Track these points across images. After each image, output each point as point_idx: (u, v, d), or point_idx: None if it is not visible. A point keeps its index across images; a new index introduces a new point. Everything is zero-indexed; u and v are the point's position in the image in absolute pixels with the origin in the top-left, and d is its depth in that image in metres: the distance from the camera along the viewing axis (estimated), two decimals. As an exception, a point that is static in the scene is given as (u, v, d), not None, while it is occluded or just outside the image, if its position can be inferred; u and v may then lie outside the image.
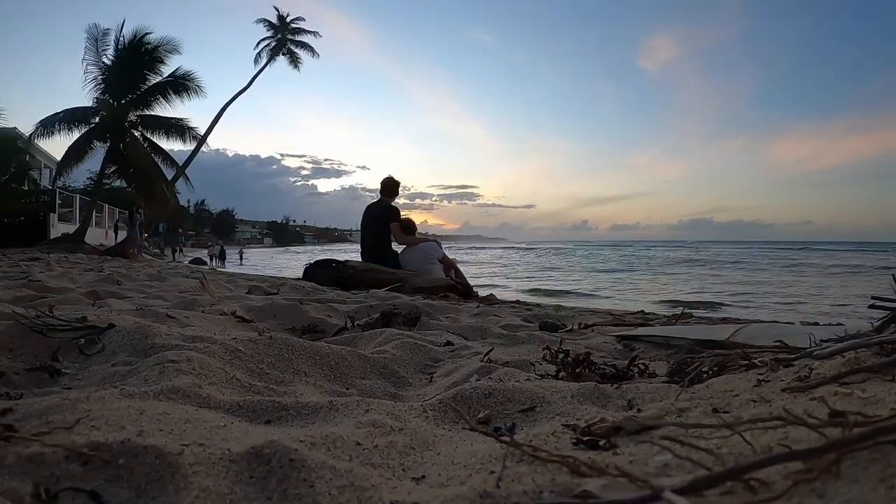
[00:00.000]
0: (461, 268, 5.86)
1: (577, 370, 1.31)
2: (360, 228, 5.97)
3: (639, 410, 0.91)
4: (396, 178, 5.96)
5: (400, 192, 6.09)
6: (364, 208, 5.99)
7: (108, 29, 16.32)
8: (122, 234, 17.38)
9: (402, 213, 5.88)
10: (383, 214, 5.75)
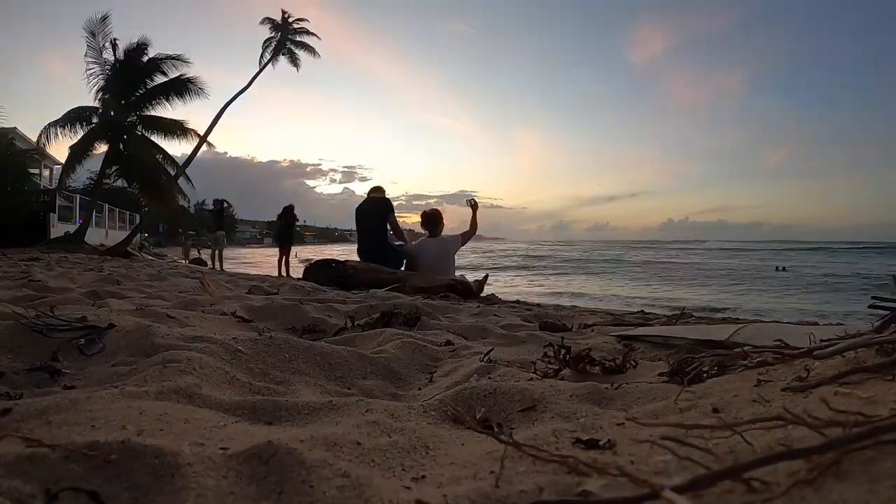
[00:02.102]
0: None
1: (580, 365, 1.33)
2: (356, 230, 5.94)
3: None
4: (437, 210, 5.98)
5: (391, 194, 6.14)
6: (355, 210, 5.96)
7: (106, 14, 16.26)
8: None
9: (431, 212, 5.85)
10: (378, 210, 5.73)
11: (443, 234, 5.78)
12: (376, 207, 5.76)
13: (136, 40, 16.51)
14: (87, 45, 16.28)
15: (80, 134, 16.27)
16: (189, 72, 17.09)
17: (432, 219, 5.75)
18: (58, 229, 16.81)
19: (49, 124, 16.06)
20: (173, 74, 16.86)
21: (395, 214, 5.86)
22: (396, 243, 5.80)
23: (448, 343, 1.83)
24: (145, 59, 16.53)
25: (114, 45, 16.31)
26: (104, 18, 16.21)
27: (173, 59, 16.70)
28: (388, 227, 5.76)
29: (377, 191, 6.00)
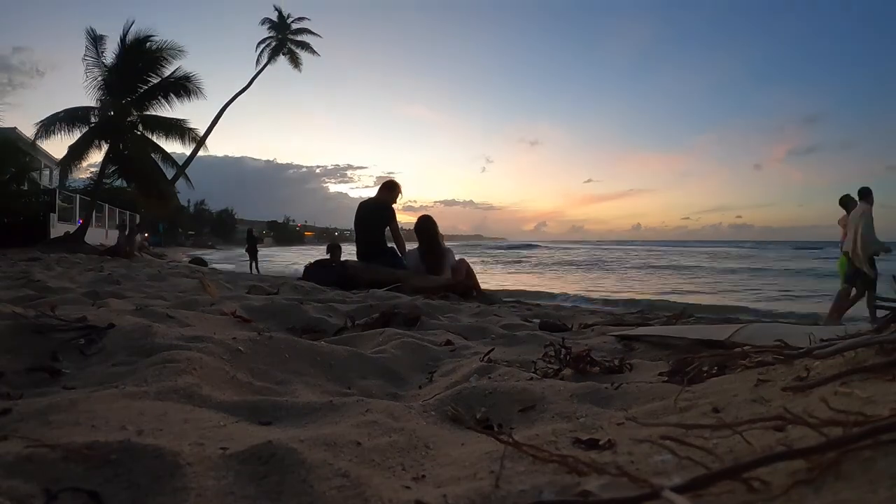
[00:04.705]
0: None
1: (580, 366, 1.33)
2: (354, 226, 5.75)
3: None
4: (396, 180, 5.81)
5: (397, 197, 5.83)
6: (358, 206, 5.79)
7: (103, 35, 16.42)
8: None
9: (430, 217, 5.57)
10: (379, 213, 5.58)
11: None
12: (378, 209, 5.60)
13: (135, 35, 16.53)
14: (87, 48, 16.31)
15: (77, 133, 16.30)
16: (185, 62, 17.16)
17: (422, 230, 5.47)
18: (58, 229, 16.83)
19: (42, 122, 16.07)
20: (170, 65, 16.86)
21: (398, 220, 5.71)
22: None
23: (448, 343, 1.83)
24: (145, 49, 16.57)
25: (122, 37, 16.35)
26: (101, 37, 16.33)
27: (168, 49, 16.71)
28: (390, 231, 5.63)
29: (388, 187, 5.74)
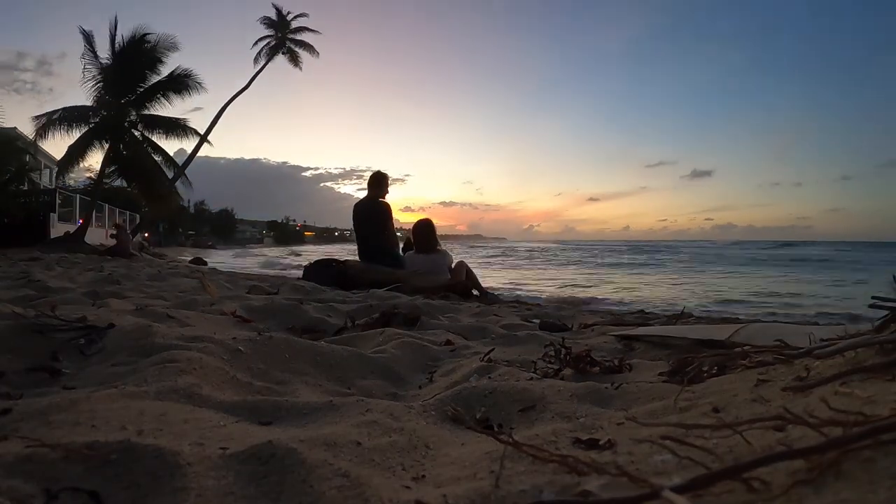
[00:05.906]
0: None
1: (581, 366, 1.34)
2: (353, 228, 5.74)
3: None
4: (383, 171, 5.74)
5: (389, 188, 5.76)
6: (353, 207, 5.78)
7: (91, 31, 16.37)
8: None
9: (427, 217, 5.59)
10: (376, 213, 5.58)
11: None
12: (374, 210, 5.58)
13: (131, 32, 16.50)
14: (84, 48, 16.29)
15: (77, 133, 16.29)
16: (187, 62, 17.16)
17: (420, 234, 5.49)
18: (58, 229, 16.82)
19: (45, 122, 16.06)
20: (168, 60, 16.80)
21: (393, 220, 5.71)
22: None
23: (448, 343, 1.83)
24: (143, 47, 16.53)
25: (112, 39, 16.30)
26: (91, 35, 16.26)
27: (164, 44, 16.66)
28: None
29: (377, 182, 5.69)
